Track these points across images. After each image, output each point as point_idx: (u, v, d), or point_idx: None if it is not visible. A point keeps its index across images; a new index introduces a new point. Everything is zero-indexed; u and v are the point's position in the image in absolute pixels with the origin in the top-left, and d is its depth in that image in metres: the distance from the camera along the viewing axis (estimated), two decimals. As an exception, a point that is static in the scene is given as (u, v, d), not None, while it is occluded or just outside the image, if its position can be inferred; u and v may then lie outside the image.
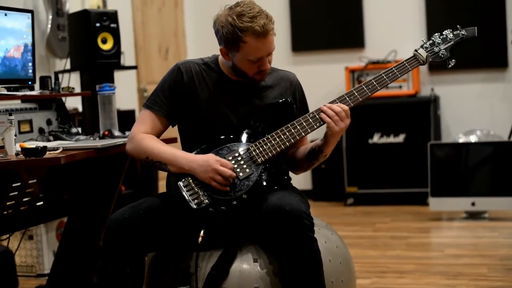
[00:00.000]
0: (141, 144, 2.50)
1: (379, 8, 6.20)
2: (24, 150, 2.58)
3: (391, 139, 5.82)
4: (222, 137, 2.50)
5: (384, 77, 2.51)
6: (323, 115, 2.44)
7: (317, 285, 2.32)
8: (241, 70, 2.50)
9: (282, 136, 2.46)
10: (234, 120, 2.53)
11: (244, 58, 2.45)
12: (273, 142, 2.46)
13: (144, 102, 2.59)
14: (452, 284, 3.60)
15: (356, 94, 2.49)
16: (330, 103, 2.48)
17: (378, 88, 2.51)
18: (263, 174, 2.43)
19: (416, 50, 2.55)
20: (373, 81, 2.51)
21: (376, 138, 5.85)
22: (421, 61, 2.54)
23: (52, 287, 3.57)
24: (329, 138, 2.48)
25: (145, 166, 4.69)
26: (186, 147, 2.54)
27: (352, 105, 2.48)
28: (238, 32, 2.40)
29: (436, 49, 2.56)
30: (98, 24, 3.91)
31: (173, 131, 2.68)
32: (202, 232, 2.36)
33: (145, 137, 2.51)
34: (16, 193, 3.19)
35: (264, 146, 2.45)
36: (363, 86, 2.50)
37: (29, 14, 3.25)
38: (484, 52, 5.89)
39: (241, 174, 2.42)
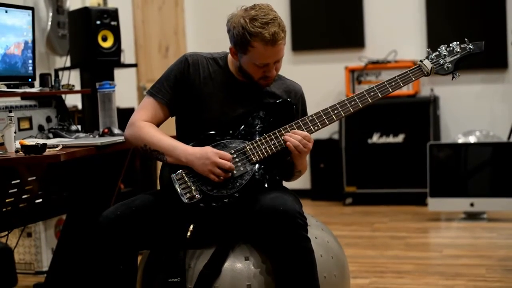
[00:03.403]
0: (140, 131, 2.50)
1: (379, 8, 6.19)
2: (24, 147, 2.58)
3: (391, 139, 5.81)
4: (219, 132, 2.50)
5: (387, 85, 2.52)
6: (288, 143, 2.43)
7: (310, 284, 2.33)
8: (247, 72, 2.50)
9: (279, 137, 2.45)
10: (232, 118, 2.52)
11: (251, 61, 2.45)
12: (269, 142, 2.45)
13: (147, 89, 2.58)
14: (451, 284, 3.60)
15: (357, 100, 2.49)
16: (331, 108, 2.49)
17: (380, 96, 2.52)
18: (256, 174, 2.42)
19: (421, 61, 2.54)
20: (375, 88, 2.52)
21: (375, 138, 5.84)
22: (425, 72, 2.53)
23: (51, 285, 3.57)
24: (294, 160, 2.51)
25: (145, 166, 4.69)
26: (181, 139, 2.53)
27: (352, 111, 2.48)
28: (247, 35, 2.40)
29: (441, 61, 2.54)
30: (98, 22, 3.90)
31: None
32: (191, 227, 2.36)
33: (145, 125, 2.51)
34: (15, 190, 3.19)
35: (261, 146, 2.45)
36: (365, 93, 2.51)
37: (30, 11, 3.25)
38: (484, 52, 5.87)
39: (235, 172, 2.41)
